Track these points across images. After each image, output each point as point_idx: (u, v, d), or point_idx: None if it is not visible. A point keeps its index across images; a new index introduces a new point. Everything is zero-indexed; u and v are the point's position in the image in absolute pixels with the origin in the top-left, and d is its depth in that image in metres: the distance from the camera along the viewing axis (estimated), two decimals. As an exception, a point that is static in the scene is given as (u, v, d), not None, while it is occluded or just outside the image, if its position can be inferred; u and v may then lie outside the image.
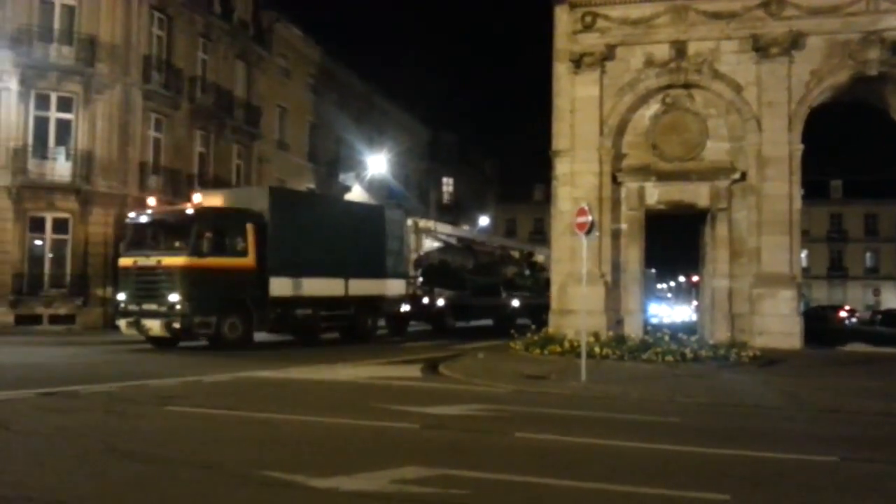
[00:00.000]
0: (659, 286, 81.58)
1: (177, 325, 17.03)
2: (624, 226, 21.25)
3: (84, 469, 6.12)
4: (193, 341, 18.16)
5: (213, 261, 17.42)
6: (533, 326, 19.75)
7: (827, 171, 65.97)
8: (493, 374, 13.41)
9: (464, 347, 19.53)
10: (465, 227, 45.45)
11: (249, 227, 18.29)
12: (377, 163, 40.71)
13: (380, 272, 22.41)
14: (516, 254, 36.71)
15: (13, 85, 24.38)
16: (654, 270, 54.95)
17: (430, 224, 28.28)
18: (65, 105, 25.32)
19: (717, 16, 20.63)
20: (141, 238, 18.36)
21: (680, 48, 20.85)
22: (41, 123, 25.02)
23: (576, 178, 21.14)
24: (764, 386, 12.31)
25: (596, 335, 16.95)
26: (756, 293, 19.91)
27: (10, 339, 20.08)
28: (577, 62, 21.26)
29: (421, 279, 26.54)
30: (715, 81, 20.70)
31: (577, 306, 18.11)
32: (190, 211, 17.82)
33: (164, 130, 28.54)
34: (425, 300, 26.13)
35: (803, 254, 38.44)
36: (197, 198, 18.65)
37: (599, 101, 21.13)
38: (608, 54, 21.22)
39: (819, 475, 6.51)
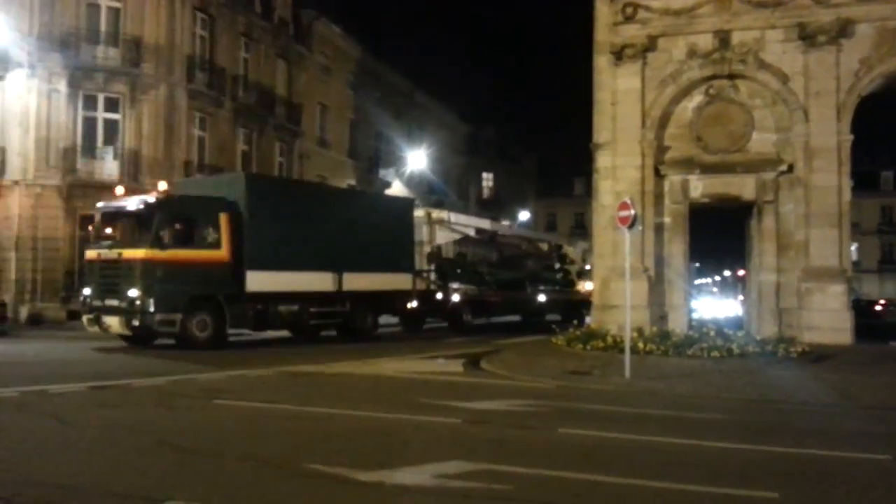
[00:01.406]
0: (702, 281, 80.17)
1: (136, 323, 15.82)
2: (667, 219, 20.94)
3: (135, 461, 6.26)
4: (163, 340, 16.87)
5: (178, 253, 16.10)
6: (576, 322, 19.53)
7: (877, 162, 64.16)
8: (536, 369, 13.37)
9: (503, 343, 19.48)
10: (506, 221, 45.16)
11: (222, 216, 16.90)
12: (417, 158, 40.87)
13: (380, 265, 20.47)
14: (544, 246, 34.99)
15: (62, 87, 25.08)
16: (697, 265, 54.04)
17: (444, 214, 26.10)
18: (112, 105, 25.96)
19: (761, 4, 20.18)
20: (106, 229, 17.31)
21: (724, 38, 20.44)
22: (89, 123, 25.72)
23: (617, 171, 20.89)
24: (813, 382, 12.04)
25: (639, 330, 16.69)
26: (804, 287, 19.47)
27: (62, 334, 20.70)
28: (619, 54, 21.00)
29: (435, 273, 24.83)
30: (760, 71, 20.26)
31: (620, 301, 17.88)
32: (151, 200, 16.47)
33: (208, 129, 29.07)
34: (439, 295, 24.41)
35: (853, 247, 37.52)
36: (162, 185, 17.29)
37: (641, 93, 20.85)
38: (650, 45, 20.90)
39: (871, 474, 6.35)
